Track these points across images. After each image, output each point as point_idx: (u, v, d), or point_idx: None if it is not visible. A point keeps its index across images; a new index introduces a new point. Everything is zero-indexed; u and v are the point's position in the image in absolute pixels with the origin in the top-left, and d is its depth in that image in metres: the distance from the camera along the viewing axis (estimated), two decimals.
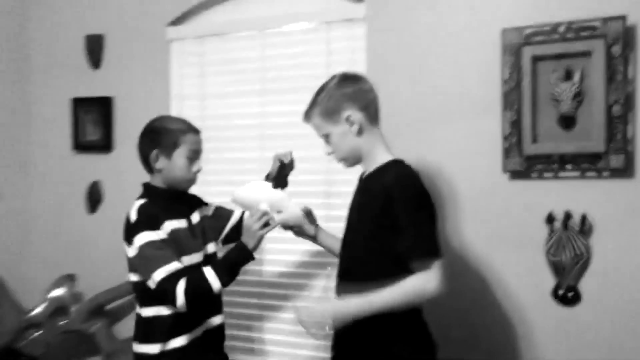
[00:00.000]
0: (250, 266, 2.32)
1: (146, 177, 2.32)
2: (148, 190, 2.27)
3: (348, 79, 2.03)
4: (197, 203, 2.41)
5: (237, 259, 2.15)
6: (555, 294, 2.28)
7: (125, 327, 3.14)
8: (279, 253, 2.80)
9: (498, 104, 2.33)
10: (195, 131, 2.26)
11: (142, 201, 2.22)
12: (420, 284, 1.82)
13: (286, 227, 2.27)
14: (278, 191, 2.23)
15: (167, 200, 2.25)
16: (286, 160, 2.27)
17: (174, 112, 3.03)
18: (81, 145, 3.26)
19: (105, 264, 3.18)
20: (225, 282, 2.11)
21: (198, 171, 2.27)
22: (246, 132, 2.89)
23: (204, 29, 2.96)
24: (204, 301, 2.14)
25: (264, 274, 2.84)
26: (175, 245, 2.17)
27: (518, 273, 2.34)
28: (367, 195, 1.99)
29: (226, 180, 2.92)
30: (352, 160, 2.03)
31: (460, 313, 2.41)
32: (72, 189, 3.29)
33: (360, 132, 1.98)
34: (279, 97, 2.80)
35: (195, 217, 2.33)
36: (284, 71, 2.80)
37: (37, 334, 2.96)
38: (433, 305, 2.10)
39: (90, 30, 3.22)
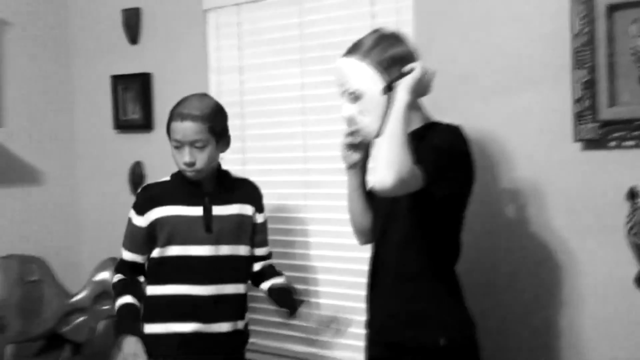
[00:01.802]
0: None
1: None
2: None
3: (396, 37, 1.70)
4: (244, 197, 2.14)
5: (121, 325, 2.13)
6: (639, 281, 1.89)
7: None
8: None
9: (567, 62, 1.93)
10: (181, 118, 1.97)
11: (158, 179, 2.16)
12: (412, 167, 1.50)
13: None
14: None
15: (181, 183, 2.06)
16: None
17: (213, 86, 2.77)
18: (122, 125, 3.05)
19: None
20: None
21: (189, 164, 1.98)
22: (287, 105, 2.58)
23: None
24: None
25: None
26: (170, 232, 2.03)
27: (593, 257, 1.94)
28: None
29: (266, 157, 2.65)
30: (376, 132, 1.67)
31: (526, 302, 2.07)
32: (115, 170, 3.09)
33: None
34: (320, 66, 2.47)
35: (224, 210, 2.07)
36: (325, 38, 2.46)
37: (81, 319, 2.79)
38: (493, 293, 1.79)
39: (127, 4, 2.99)
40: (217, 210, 2.05)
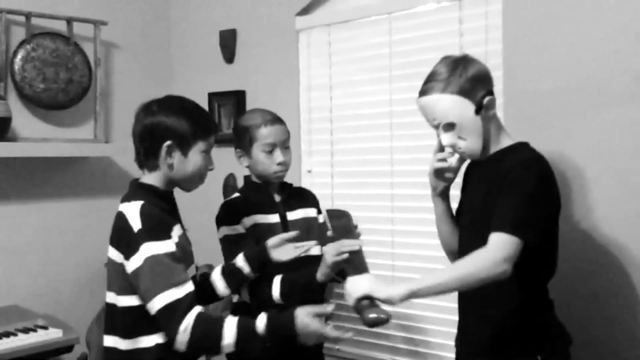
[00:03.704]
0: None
1: None
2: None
3: (468, 59, 1.71)
4: (307, 202, 2.25)
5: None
6: None
7: None
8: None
9: None
10: (270, 122, 2.11)
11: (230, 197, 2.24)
12: (483, 253, 1.53)
13: None
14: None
15: (254, 195, 2.18)
16: None
17: (303, 103, 2.88)
18: (218, 139, 3.17)
19: None
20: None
21: (283, 163, 2.11)
22: (375, 121, 2.64)
23: (331, 16, 2.74)
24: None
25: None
26: (257, 239, 2.05)
27: None
28: (488, 181, 1.70)
29: (354, 171, 2.72)
30: (480, 150, 1.70)
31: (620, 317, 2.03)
32: (210, 181, 3.22)
33: (493, 116, 1.71)
34: (408, 83, 2.51)
35: (294, 215, 2.18)
36: (413, 56, 2.51)
37: None
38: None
39: (224, 26, 3.15)
40: (289, 215, 2.16)
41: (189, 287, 1.64)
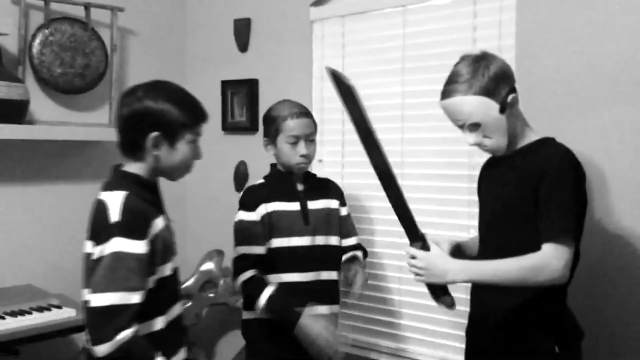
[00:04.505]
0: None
1: None
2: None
3: (489, 57, 1.71)
4: (330, 193, 2.33)
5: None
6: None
7: None
8: None
9: None
10: (296, 115, 2.18)
11: (255, 182, 2.30)
12: (544, 261, 1.56)
13: None
14: None
15: (277, 183, 2.25)
16: None
17: (315, 93, 2.90)
18: (230, 127, 3.24)
19: None
20: None
21: (306, 155, 2.19)
22: (386, 112, 2.67)
23: (345, 7, 2.76)
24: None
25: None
26: (275, 225, 2.19)
27: None
28: (517, 175, 1.70)
29: (365, 161, 2.74)
30: (506, 146, 1.72)
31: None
32: (222, 168, 3.28)
33: (517, 112, 1.72)
34: (421, 76, 2.54)
35: (315, 204, 2.26)
36: (426, 49, 2.53)
37: (188, 304, 2.99)
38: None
39: (239, 15, 3.17)
40: (310, 204, 2.23)
41: (139, 297, 1.53)
